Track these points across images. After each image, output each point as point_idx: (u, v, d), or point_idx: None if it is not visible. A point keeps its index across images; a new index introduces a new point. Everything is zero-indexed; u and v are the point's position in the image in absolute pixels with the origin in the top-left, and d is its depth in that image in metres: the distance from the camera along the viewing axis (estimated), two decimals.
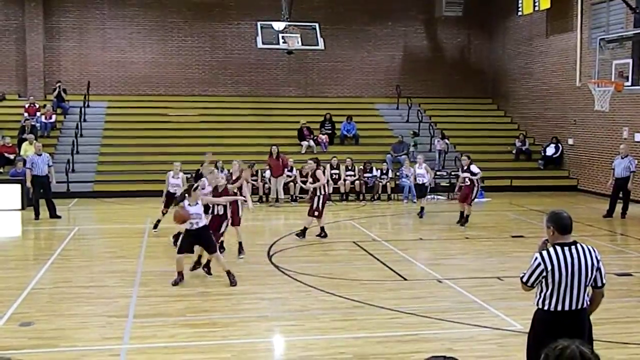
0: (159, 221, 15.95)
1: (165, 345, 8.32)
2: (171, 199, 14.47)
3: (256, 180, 22.06)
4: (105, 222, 18.95)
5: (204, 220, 11.23)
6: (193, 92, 28.23)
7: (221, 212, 12.46)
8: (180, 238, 11.46)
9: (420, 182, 18.73)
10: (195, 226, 11.01)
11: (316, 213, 15.33)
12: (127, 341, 8.47)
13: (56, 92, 26.12)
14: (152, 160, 23.72)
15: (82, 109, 26.16)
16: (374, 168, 22.90)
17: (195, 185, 11.70)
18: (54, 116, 25.36)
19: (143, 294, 10.55)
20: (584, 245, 5.68)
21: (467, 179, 17.28)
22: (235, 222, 13.16)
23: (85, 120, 25.86)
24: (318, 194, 15.34)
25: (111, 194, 22.09)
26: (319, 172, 15.56)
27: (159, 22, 28.02)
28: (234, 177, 13.73)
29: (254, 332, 8.97)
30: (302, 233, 15.23)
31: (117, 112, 26.59)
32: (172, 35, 28.17)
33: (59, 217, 18.32)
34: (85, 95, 26.73)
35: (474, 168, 17.22)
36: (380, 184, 22.65)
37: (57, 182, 19.42)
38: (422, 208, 18.68)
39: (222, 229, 12.56)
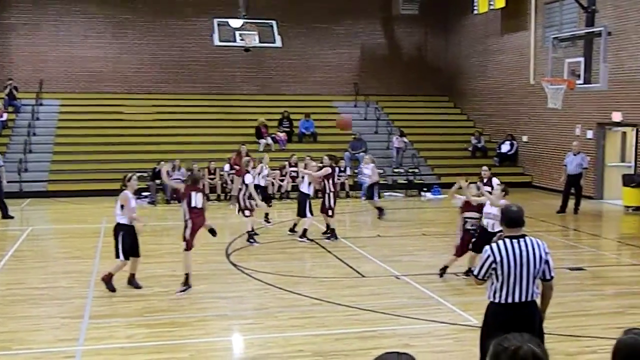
0: None
1: (121, 346, 8.23)
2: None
3: (213, 179, 21.96)
4: (59, 222, 18.65)
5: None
6: (149, 90, 27.92)
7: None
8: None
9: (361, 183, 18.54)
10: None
11: (330, 212, 15.11)
12: (82, 342, 8.36)
13: (7, 90, 25.57)
14: (108, 159, 23.43)
15: (35, 107, 25.71)
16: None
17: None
18: (5, 115, 24.85)
19: (99, 295, 10.42)
20: (532, 239, 5.81)
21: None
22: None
23: (37, 119, 25.44)
24: (328, 191, 15.08)
25: (66, 193, 21.74)
26: (325, 169, 15.14)
27: (113, 19, 27.63)
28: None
29: (212, 331, 8.93)
30: (332, 234, 15.14)
31: (71, 110, 26.16)
32: (127, 32, 27.82)
33: (12, 217, 17.98)
34: (37, 93, 26.27)
35: (495, 182, 14.43)
36: (339, 181, 22.67)
37: (9, 182, 19.06)
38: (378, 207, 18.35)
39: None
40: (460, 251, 11.43)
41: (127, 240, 10.58)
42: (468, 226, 11.27)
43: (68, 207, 20.27)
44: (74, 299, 10.29)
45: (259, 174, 16.29)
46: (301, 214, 15.23)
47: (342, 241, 14.94)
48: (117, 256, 10.70)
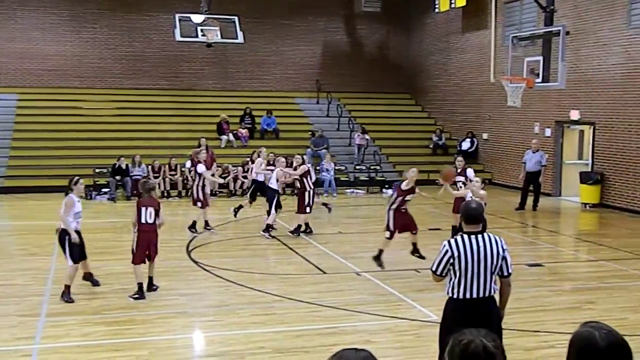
0: None
1: (78, 344, 8.12)
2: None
3: (175, 175, 21.79)
4: (17, 218, 18.34)
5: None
6: (109, 85, 27.55)
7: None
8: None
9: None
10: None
11: (307, 209, 15.07)
12: (39, 341, 8.23)
13: None
14: (67, 154, 23.10)
15: None
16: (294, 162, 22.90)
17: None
18: None
19: (56, 292, 10.25)
20: (490, 235, 5.84)
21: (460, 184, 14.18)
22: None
23: None
24: (308, 189, 15.04)
25: (23, 189, 21.35)
26: (302, 167, 15.17)
27: (73, 13, 27.18)
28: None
29: (172, 328, 8.86)
30: (296, 230, 15.11)
31: (29, 105, 25.68)
32: (87, 26, 27.40)
33: None
34: None
35: (470, 173, 14.49)
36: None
37: None
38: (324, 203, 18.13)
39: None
40: None
41: (76, 245, 10.01)
42: None
43: (26, 204, 19.93)
44: (31, 296, 10.13)
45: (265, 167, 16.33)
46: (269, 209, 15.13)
47: (304, 238, 14.94)
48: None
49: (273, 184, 15.25)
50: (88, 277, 10.71)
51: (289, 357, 7.79)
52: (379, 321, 9.15)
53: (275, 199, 15.04)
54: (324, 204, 17.99)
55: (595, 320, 2.91)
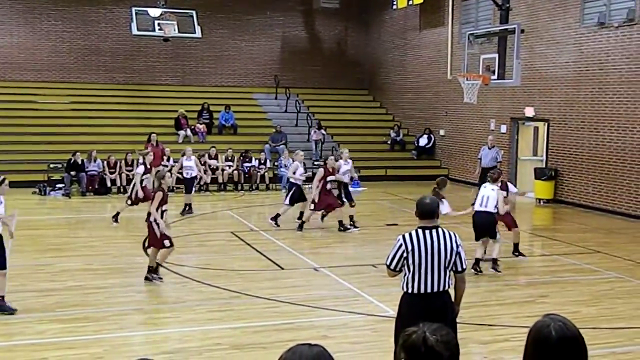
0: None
1: (32, 342, 7.99)
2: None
3: (131, 170, 21.52)
4: None
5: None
6: (64, 79, 27.09)
7: None
8: None
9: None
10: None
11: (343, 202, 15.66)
12: None
13: None
14: (20, 149, 22.66)
15: None
16: (253, 158, 22.87)
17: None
18: None
19: (9, 289, 10.04)
20: (445, 230, 5.89)
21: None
22: None
23: None
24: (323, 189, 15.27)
25: None
26: (337, 163, 15.76)
27: (26, 4, 26.65)
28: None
29: (128, 325, 8.78)
30: (301, 226, 15.45)
31: None
32: (41, 18, 26.88)
33: None
34: None
35: (511, 187, 13.50)
36: (259, 173, 22.65)
37: None
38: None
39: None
40: None
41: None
42: None
43: None
44: None
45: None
46: (302, 199, 15.63)
47: (262, 234, 14.92)
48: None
49: (298, 180, 15.67)
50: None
51: (246, 353, 7.78)
52: (336, 316, 9.19)
53: (298, 193, 15.53)
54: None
55: (555, 313, 2.96)
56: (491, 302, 9.99)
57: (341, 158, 16.47)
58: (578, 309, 9.58)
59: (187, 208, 17.44)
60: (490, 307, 9.71)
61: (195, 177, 18.02)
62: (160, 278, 10.69)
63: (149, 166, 16.04)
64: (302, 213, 15.64)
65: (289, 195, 15.54)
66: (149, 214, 10.67)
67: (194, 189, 18.17)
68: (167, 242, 10.65)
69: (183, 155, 17.97)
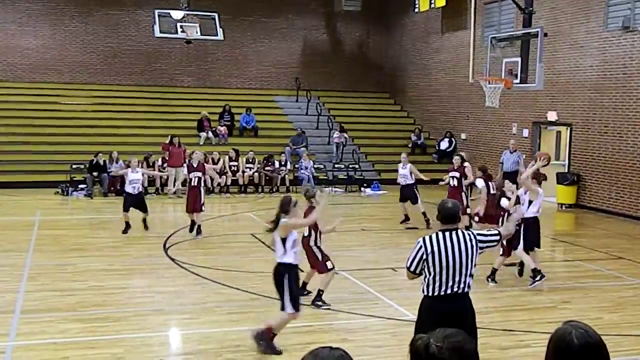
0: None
1: (54, 341, 8.05)
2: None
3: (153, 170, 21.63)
4: None
5: None
6: (87, 80, 27.33)
7: None
8: None
9: None
10: None
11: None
12: (14, 338, 8.15)
13: None
14: (44, 150, 22.87)
15: None
16: (275, 161, 22.91)
17: None
18: None
19: (31, 289, 10.17)
20: (465, 232, 5.88)
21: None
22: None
23: None
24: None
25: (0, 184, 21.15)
26: (467, 168, 15.92)
27: (50, 6, 26.92)
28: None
29: (148, 326, 8.81)
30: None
31: (5, 100, 25.35)
32: (64, 20, 27.14)
33: None
34: None
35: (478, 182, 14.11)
36: (279, 176, 22.68)
37: None
38: None
39: None
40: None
41: None
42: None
43: (2, 199, 19.70)
44: (6, 293, 10.02)
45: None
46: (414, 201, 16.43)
47: None
48: None
49: (409, 180, 16.54)
50: None
51: (265, 355, 7.77)
52: (356, 320, 9.17)
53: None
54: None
55: (576, 320, 2.94)
56: (512, 307, 9.92)
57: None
58: (601, 316, 9.48)
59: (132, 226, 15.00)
60: (512, 312, 9.64)
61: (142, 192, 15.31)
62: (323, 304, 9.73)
63: (195, 165, 14.90)
64: None
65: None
66: None
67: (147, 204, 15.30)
68: (329, 264, 9.75)
69: (128, 166, 15.50)
